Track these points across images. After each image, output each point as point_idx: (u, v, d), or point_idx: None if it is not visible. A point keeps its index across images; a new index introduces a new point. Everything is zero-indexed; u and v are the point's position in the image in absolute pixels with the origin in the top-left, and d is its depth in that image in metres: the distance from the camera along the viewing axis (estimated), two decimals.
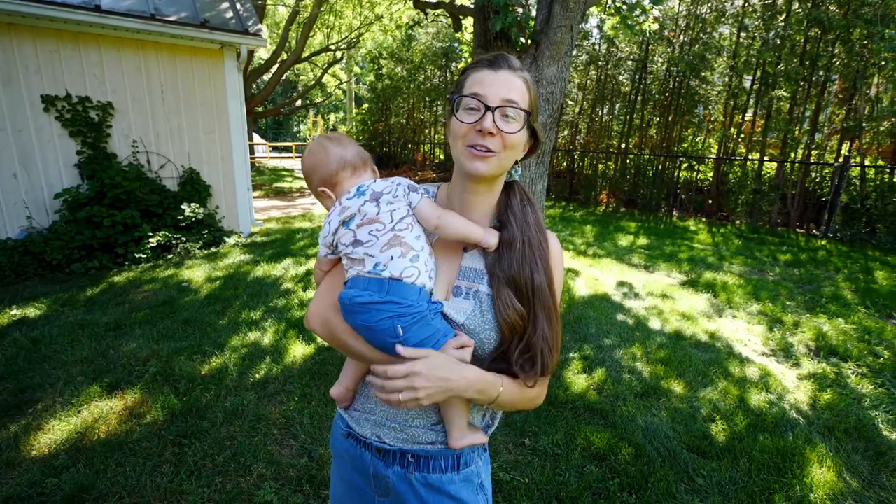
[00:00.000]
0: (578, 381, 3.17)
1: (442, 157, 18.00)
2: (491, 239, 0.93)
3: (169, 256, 5.63)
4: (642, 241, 8.01)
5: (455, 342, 0.88)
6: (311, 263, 5.64)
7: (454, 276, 0.96)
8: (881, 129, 8.93)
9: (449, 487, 0.98)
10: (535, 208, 0.98)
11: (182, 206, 5.98)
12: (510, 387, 0.92)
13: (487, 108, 0.85)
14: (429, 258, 0.90)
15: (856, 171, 9.15)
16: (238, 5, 6.52)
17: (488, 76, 0.88)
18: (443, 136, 18.21)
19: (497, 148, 0.87)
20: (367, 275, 0.87)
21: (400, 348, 0.83)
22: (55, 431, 2.46)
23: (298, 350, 3.45)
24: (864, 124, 8.89)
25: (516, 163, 0.96)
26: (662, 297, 5.00)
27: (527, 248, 0.92)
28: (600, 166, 13.23)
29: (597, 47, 12.78)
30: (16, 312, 3.92)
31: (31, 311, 3.95)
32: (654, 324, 4.26)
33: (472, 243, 0.95)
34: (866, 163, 9.24)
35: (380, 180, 0.94)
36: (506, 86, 0.87)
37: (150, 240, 5.50)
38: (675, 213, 11.42)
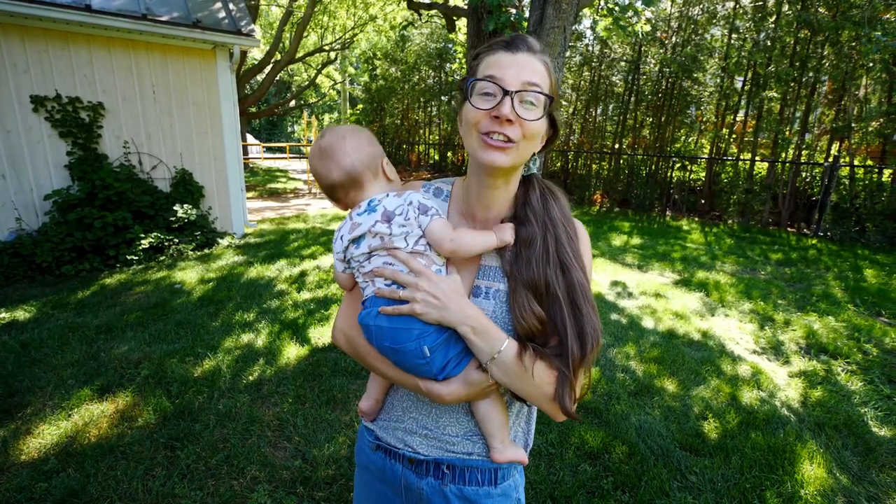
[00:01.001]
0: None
1: (437, 157, 18.00)
2: (506, 236, 0.86)
3: (161, 258, 5.59)
4: (636, 240, 8.05)
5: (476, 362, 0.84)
6: (305, 265, 5.63)
7: (474, 276, 0.90)
8: (870, 129, 9.05)
9: (486, 501, 0.92)
10: (559, 200, 0.90)
11: (174, 208, 5.94)
12: (518, 350, 0.81)
13: (506, 92, 0.76)
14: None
15: (845, 171, 9.26)
16: (231, 5, 6.49)
17: (505, 58, 0.80)
18: (436, 137, 18.21)
19: (516, 137, 0.79)
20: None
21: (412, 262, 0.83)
22: (45, 435, 2.44)
23: (292, 351, 3.44)
24: (853, 125, 9.00)
25: (534, 154, 0.87)
26: (656, 296, 5.03)
27: (551, 246, 0.84)
28: (594, 166, 13.30)
29: (590, 48, 12.84)
30: (4, 315, 3.87)
31: (21, 314, 3.91)
32: (648, 323, 4.29)
33: (493, 250, 0.89)
34: (855, 163, 9.36)
35: (392, 196, 0.86)
36: (526, 68, 0.79)
37: (142, 241, 5.46)
38: (668, 212, 11.50)
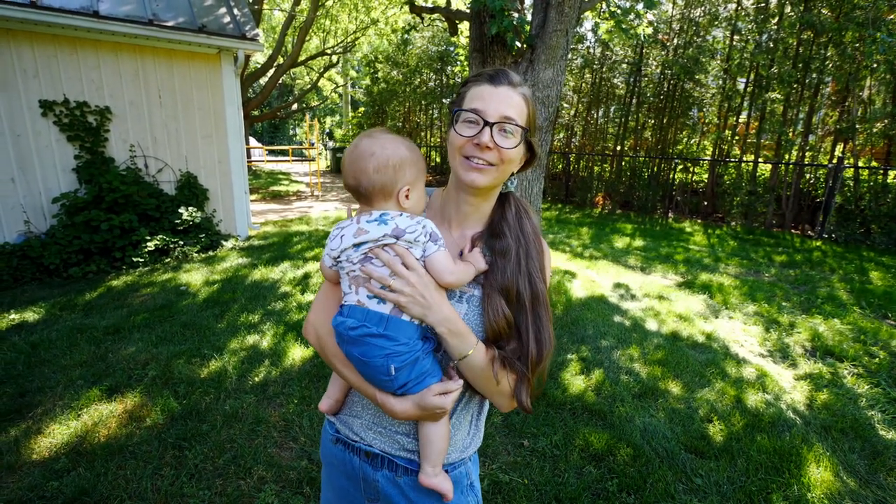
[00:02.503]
0: (576, 382, 3.19)
1: (438, 159, 18.04)
2: (480, 265, 0.94)
3: (167, 260, 5.63)
4: (638, 242, 8.05)
5: (439, 388, 0.88)
6: (309, 266, 5.65)
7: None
8: (874, 130, 9.03)
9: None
10: (531, 217, 1.01)
11: (179, 210, 5.98)
12: (484, 356, 0.90)
13: (486, 123, 0.87)
14: None
15: (849, 173, 9.23)
16: (235, 10, 6.54)
17: (487, 91, 0.90)
18: (439, 140, 18.26)
19: (495, 161, 0.89)
20: (366, 305, 0.86)
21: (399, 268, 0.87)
22: (55, 435, 2.46)
23: (297, 353, 3.46)
24: (857, 126, 8.98)
25: (512, 174, 0.98)
26: (659, 298, 5.03)
27: (522, 258, 0.94)
28: (596, 168, 13.30)
29: (592, 51, 12.87)
30: (14, 317, 3.91)
31: (30, 316, 3.94)
32: (651, 325, 4.29)
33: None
34: (860, 164, 9.33)
35: (406, 217, 0.89)
36: (505, 102, 0.89)
37: (148, 244, 5.50)
38: (670, 214, 11.48)
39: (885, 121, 8.86)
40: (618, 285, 5.45)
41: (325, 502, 1.14)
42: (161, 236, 5.64)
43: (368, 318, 0.86)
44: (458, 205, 0.99)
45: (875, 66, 8.52)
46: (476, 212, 0.99)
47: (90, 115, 5.56)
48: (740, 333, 4.24)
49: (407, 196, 0.91)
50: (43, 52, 5.22)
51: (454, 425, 1.00)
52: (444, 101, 17.09)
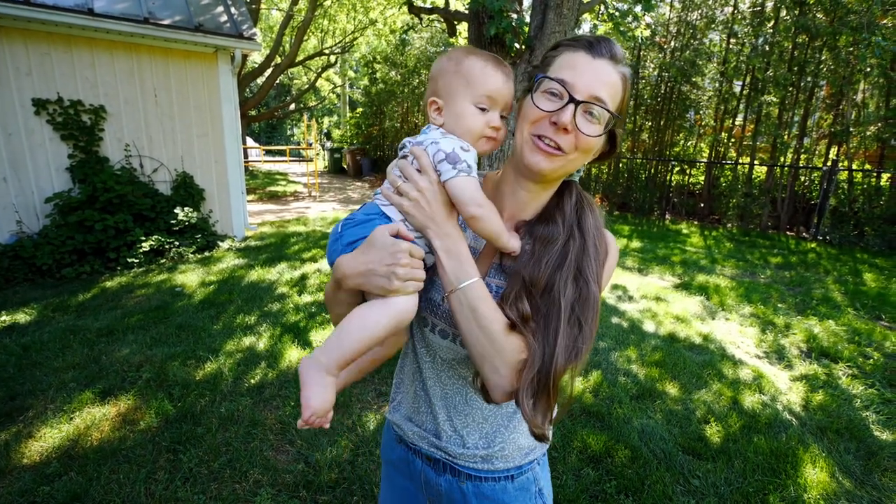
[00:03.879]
0: (574, 383, 3.18)
1: None
2: (513, 243, 0.82)
3: (162, 261, 5.59)
4: (635, 244, 8.07)
5: (387, 227, 0.77)
6: (306, 267, 5.62)
7: (484, 275, 0.87)
8: (868, 133, 9.10)
9: (503, 497, 0.93)
10: (594, 212, 0.86)
11: (175, 211, 5.94)
12: (484, 293, 0.75)
13: (572, 99, 0.74)
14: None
15: (844, 175, 9.30)
16: (232, 9, 6.51)
17: (583, 61, 0.76)
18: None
19: (568, 148, 0.76)
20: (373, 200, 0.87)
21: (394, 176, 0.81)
22: (47, 439, 2.43)
23: (294, 354, 3.44)
24: (851, 129, 9.05)
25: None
26: (656, 299, 5.04)
27: (572, 252, 0.79)
28: (593, 170, 13.32)
29: None
30: (5, 318, 3.86)
31: (21, 317, 3.90)
32: (649, 326, 4.29)
33: (498, 245, 0.82)
34: (854, 167, 9.40)
35: (438, 131, 0.83)
36: (601, 78, 0.75)
37: (143, 244, 5.45)
38: (667, 216, 11.52)
39: (879, 124, 8.93)
40: (615, 287, 5.45)
41: (383, 502, 1.10)
42: (156, 237, 5.60)
43: (364, 207, 0.85)
44: (515, 189, 0.86)
45: (869, 70, 8.59)
46: (534, 200, 0.86)
47: (84, 113, 5.51)
48: (737, 335, 4.25)
49: (437, 111, 0.83)
50: (36, 50, 5.17)
51: (515, 426, 0.91)
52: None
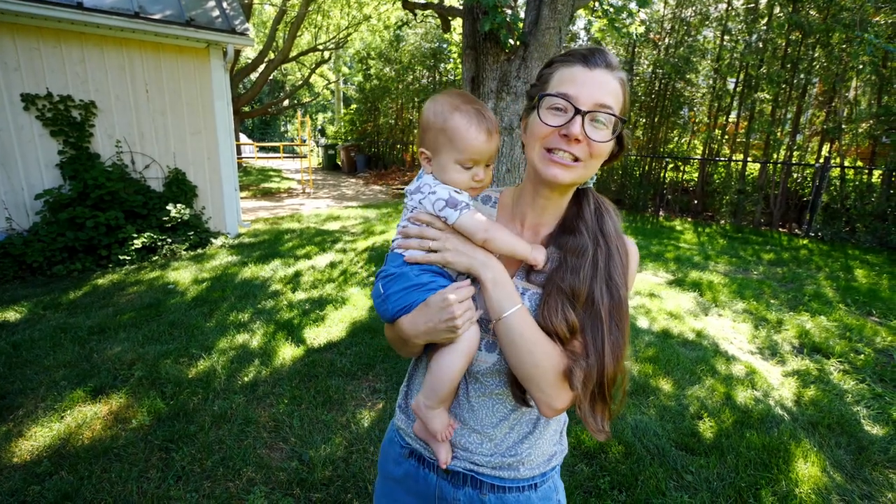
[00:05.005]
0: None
1: None
2: (538, 256, 0.86)
3: (154, 258, 5.54)
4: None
5: (447, 290, 0.83)
6: (300, 264, 5.60)
7: (512, 275, 0.90)
8: (860, 130, 9.16)
9: None
10: (612, 216, 0.89)
11: (167, 207, 5.89)
12: (528, 320, 0.80)
13: (578, 111, 0.77)
14: None
15: (836, 172, 9.36)
16: (224, 4, 6.45)
17: (581, 74, 0.79)
18: None
19: (583, 156, 0.79)
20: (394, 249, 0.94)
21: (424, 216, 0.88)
22: (37, 438, 2.41)
23: (287, 352, 3.42)
24: (843, 126, 9.10)
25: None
26: (650, 296, 5.06)
27: (601, 260, 0.83)
28: None
29: None
30: None
31: (11, 315, 3.85)
32: (642, 323, 4.31)
33: (519, 259, 0.87)
34: (846, 164, 9.47)
35: (430, 177, 0.90)
36: (600, 87, 0.78)
37: (135, 241, 5.40)
38: (661, 213, 11.56)
39: (871, 121, 8.99)
40: None
41: None
42: (148, 234, 5.55)
43: (390, 260, 0.92)
44: (534, 198, 0.90)
45: (861, 67, 8.64)
46: (553, 207, 0.90)
47: (74, 109, 5.44)
48: (730, 331, 4.27)
49: (427, 160, 0.90)
50: (25, 45, 5.10)
51: (540, 431, 0.91)
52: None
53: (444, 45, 15.24)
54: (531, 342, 0.78)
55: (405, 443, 1.00)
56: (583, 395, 0.77)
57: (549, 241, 0.90)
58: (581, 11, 6.22)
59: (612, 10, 4.65)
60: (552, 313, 0.80)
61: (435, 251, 0.85)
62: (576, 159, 0.80)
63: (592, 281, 0.81)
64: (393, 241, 0.94)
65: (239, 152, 18.24)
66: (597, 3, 4.82)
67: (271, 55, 16.96)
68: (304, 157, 16.77)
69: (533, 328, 0.80)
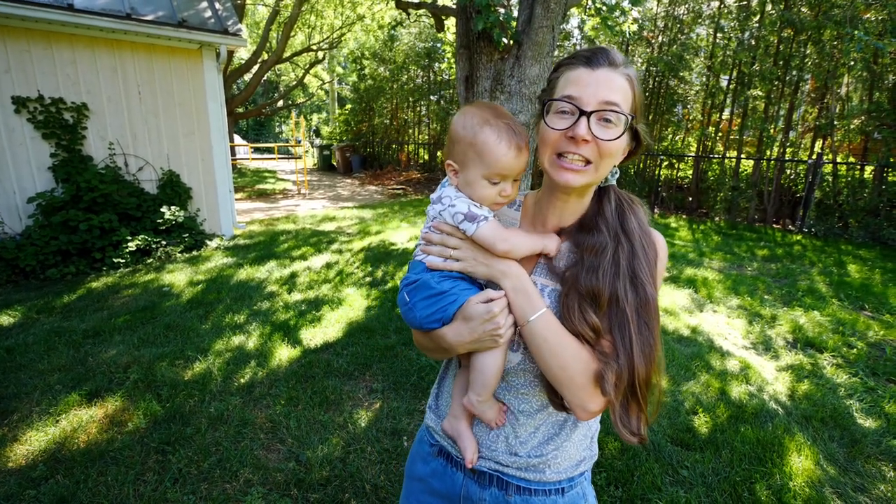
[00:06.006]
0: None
1: (426, 157, 17.97)
2: (550, 245, 0.88)
3: (149, 261, 5.52)
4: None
5: (478, 297, 0.84)
6: (296, 265, 5.59)
7: (529, 272, 0.90)
8: (852, 126, 9.22)
9: None
10: (637, 212, 0.88)
11: (162, 210, 5.86)
12: (553, 323, 0.79)
13: (582, 112, 0.76)
14: None
15: (828, 168, 9.43)
16: (217, 4, 6.42)
17: (584, 75, 0.79)
18: (427, 136, 18.21)
19: (592, 157, 0.78)
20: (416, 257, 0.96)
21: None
22: (32, 442, 2.40)
23: (284, 353, 3.42)
24: (835, 122, 9.16)
25: (613, 167, 0.87)
26: None
27: (623, 258, 0.82)
28: None
29: (578, 47, 12.92)
30: None
31: (5, 319, 3.83)
32: None
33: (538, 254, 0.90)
34: (838, 160, 9.53)
35: (451, 188, 0.91)
36: (605, 86, 0.77)
37: (129, 244, 5.38)
38: (656, 210, 11.61)
39: (862, 117, 9.06)
40: None
41: None
42: (143, 236, 5.53)
43: (412, 267, 0.94)
44: (553, 202, 0.90)
45: (852, 63, 8.69)
46: (573, 207, 0.90)
47: (66, 111, 5.41)
48: (724, 326, 4.30)
49: (454, 172, 0.90)
50: (15, 47, 5.06)
51: (567, 433, 0.91)
52: (431, 97, 17.03)
53: (439, 45, 15.24)
54: (557, 345, 0.79)
55: (434, 441, 1.01)
56: (615, 398, 0.76)
57: (566, 238, 0.90)
58: (574, 10, 6.23)
59: (604, 8, 4.66)
60: (572, 315, 0.80)
61: (456, 259, 0.87)
62: (587, 162, 0.79)
63: (615, 279, 0.80)
64: (415, 248, 0.95)
65: (233, 153, 18.17)
66: (590, 2, 4.83)
67: (265, 56, 16.91)
68: (299, 157, 16.73)
69: (558, 331, 0.79)
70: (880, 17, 8.20)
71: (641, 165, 12.10)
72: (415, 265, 0.93)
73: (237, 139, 23.93)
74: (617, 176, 0.91)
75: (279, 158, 19.11)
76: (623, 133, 0.80)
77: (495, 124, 0.84)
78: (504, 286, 0.83)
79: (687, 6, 11.20)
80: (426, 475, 1.00)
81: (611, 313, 0.79)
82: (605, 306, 0.79)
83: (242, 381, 3.05)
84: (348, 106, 20.59)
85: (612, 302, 0.79)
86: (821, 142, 9.89)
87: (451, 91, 15.61)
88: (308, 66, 20.75)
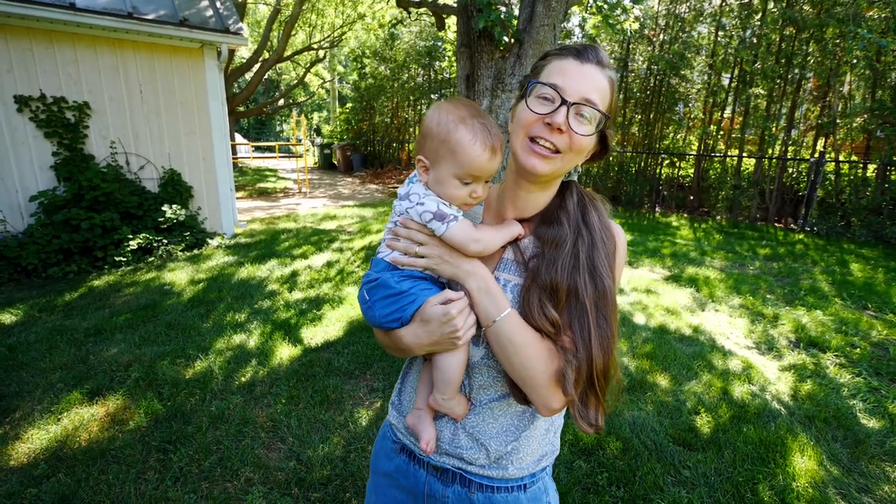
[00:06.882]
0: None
1: None
2: (516, 229, 0.88)
3: (150, 259, 5.52)
4: (626, 237, 8.09)
5: (437, 298, 0.84)
6: (297, 264, 5.59)
7: (493, 268, 0.91)
8: (854, 125, 9.19)
9: None
10: (598, 207, 0.90)
11: (163, 208, 5.86)
12: (518, 323, 0.80)
13: (564, 101, 0.77)
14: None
15: (830, 167, 9.40)
16: (218, 3, 6.41)
17: (572, 67, 0.80)
18: None
19: (563, 147, 0.80)
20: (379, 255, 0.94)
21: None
22: (34, 440, 2.40)
23: (285, 352, 3.42)
24: (837, 121, 9.13)
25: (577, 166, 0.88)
26: (647, 292, 5.07)
27: (582, 251, 0.83)
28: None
29: None
30: None
31: (7, 318, 3.83)
32: (639, 318, 4.32)
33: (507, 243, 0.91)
34: (840, 158, 9.50)
35: (420, 185, 0.89)
36: (589, 82, 0.79)
37: (131, 242, 5.38)
38: (657, 209, 11.59)
39: (865, 116, 9.02)
40: None
41: None
42: (144, 235, 5.53)
43: (374, 265, 0.92)
44: (515, 192, 0.90)
45: (855, 61, 8.67)
46: (535, 200, 0.90)
47: (68, 110, 5.41)
48: (726, 326, 4.29)
49: (424, 169, 0.88)
50: (17, 46, 5.06)
51: (529, 428, 0.91)
52: (432, 96, 17.01)
53: (439, 44, 15.22)
54: (521, 345, 0.79)
55: (396, 438, 1.01)
56: (574, 395, 0.78)
57: (529, 231, 0.91)
58: (575, 8, 6.22)
59: (606, 6, 4.64)
60: (532, 310, 0.80)
61: (421, 256, 0.86)
62: (556, 151, 0.80)
63: (574, 272, 0.81)
64: (379, 248, 0.93)
65: (234, 152, 18.18)
66: (591, 0, 4.82)
67: (266, 54, 16.90)
68: (300, 156, 16.72)
69: (522, 331, 0.80)
70: (883, 15, 8.16)
71: (643, 164, 12.08)
72: (376, 262, 0.92)
73: (238, 138, 23.94)
74: (578, 173, 0.93)
75: (280, 157, 19.10)
76: (595, 131, 0.81)
77: (471, 123, 0.83)
78: (469, 286, 0.83)
79: (688, 4, 11.16)
80: (391, 471, 1.00)
81: (570, 306, 0.80)
82: (565, 299, 0.80)
83: (243, 379, 3.05)
84: (349, 105, 20.58)
85: (572, 294, 0.80)
86: (823, 140, 9.86)
87: (452, 90, 15.59)
88: (309, 64, 20.74)
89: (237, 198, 9.86)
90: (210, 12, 6.22)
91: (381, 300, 0.87)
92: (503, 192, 0.94)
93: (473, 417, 0.91)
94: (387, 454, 1.02)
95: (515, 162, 0.84)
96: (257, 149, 31.75)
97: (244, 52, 16.99)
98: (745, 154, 10.74)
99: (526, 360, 0.79)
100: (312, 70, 22.57)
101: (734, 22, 10.52)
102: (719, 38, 10.94)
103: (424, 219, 0.84)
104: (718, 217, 10.46)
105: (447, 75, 15.77)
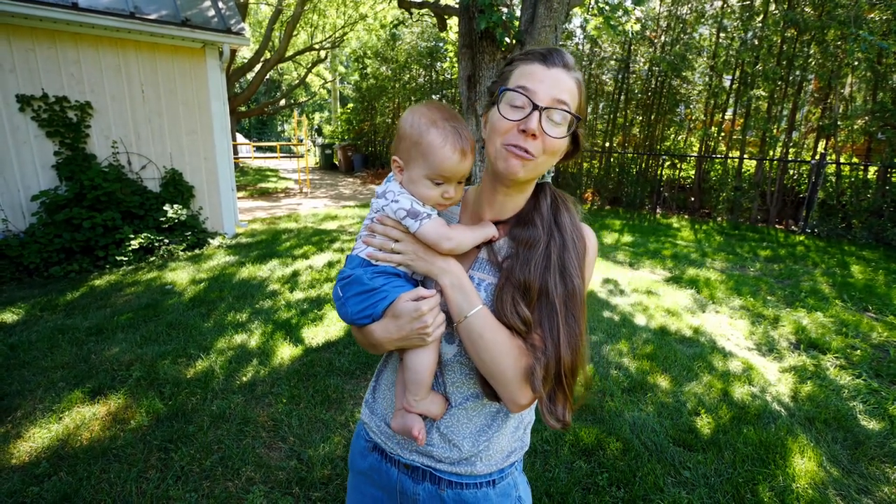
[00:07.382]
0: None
1: None
2: (490, 231, 0.90)
3: (151, 259, 5.53)
4: (627, 238, 8.11)
5: (409, 294, 0.85)
6: (298, 264, 5.59)
7: (468, 267, 0.93)
8: (855, 127, 9.19)
9: (485, 503, 0.94)
10: (570, 209, 0.92)
11: (164, 208, 5.87)
12: (489, 320, 0.82)
13: (535, 106, 0.79)
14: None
15: (831, 169, 9.40)
16: (220, 3, 6.43)
17: (539, 71, 0.81)
18: None
19: (537, 152, 0.81)
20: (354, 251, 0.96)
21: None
22: (36, 439, 2.40)
23: (286, 352, 3.42)
24: (838, 122, 9.14)
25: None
26: (647, 293, 5.07)
27: (554, 251, 0.85)
28: (585, 165, 13.36)
29: (580, 47, 12.90)
30: None
31: (8, 317, 3.84)
32: (640, 320, 4.33)
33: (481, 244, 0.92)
34: (841, 160, 9.50)
35: (395, 184, 0.91)
36: (557, 85, 0.80)
37: (132, 242, 5.39)
38: (658, 210, 11.59)
39: (866, 118, 9.03)
40: (607, 281, 5.49)
41: None
42: (145, 234, 5.54)
43: (349, 261, 0.93)
44: (492, 195, 0.92)
45: (856, 63, 8.67)
46: (511, 202, 0.92)
47: (70, 110, 5.42)
48: (727, 327, 4.29)
49: (398, 169, 0.90)
50: (20, 46, 5.08)
51: (498, 425, 0.92)
52: (433, 97, 17.03)
53: (441, 44, 15.23)
54: (491, 341, 0.81)
55: (368, 437, 1.02)
56: (542, 391, 0.79)
57: (505, 233, 0.93)
58: (577, 10, 6.23)
59: (607, 7, 4.65)
60: (505, 308, 0.82)
61: (397, 252, 0.88)
62: (530, 155, 0.81)
63: (545, 272, 0.83)
64: (355, 244, 0.95)
65: (236, 152, 18.19)
66: (592, 1, 4.83)
67: (267, 55, 16.93)
68: (301, 156, 16.73)
69: (493, 328, 0.81)
70: (885, 17, 8.17)
71: (644, 165, 12.08)
72: (351, 259, 0.93)
73: (239, 138, 23.96)
74: (551, 174, 0.95)
75: (281, 157, 19.12)
76: (568, 133, 0.83)
77: (442, 127, 0.85)
78: (442, 283, 0.85)
79: (690, 6, 11.17)
80: (366, 469, 1.02)
81: (540, 305, 0.82)
82: (536, 298, 0.82)
83: (244, 379, 3.06)
84: (350, 105, 20.60)
85: (542, 294, 0.82)
86: (824, 142, 9.86)
87: (453, 90, 15.60)
88: (310, 65, 20.77)
89: (238, 198, 9.87)
90: (212, 12, 6.23)
91: (353, 297, 0.89)
92: (481, 195, 0.96)
93: (448, 418, 0.92)
94: (360, 453, 1.04)
95: (493, 168, 0.86)
96: (259, 149, 31.78)
97: (246, 53, 17.01)
98: (746, 156, 10.74)
99: (496, 356, 0.80)
100: (314, 70, 22.60)
101: (735, 23, 10.53)
102: (721, 40, 10.94)
103: (399, 216, 0.86)
104: (719, 219, 10.46)
105: (448, 76, 15.79)
